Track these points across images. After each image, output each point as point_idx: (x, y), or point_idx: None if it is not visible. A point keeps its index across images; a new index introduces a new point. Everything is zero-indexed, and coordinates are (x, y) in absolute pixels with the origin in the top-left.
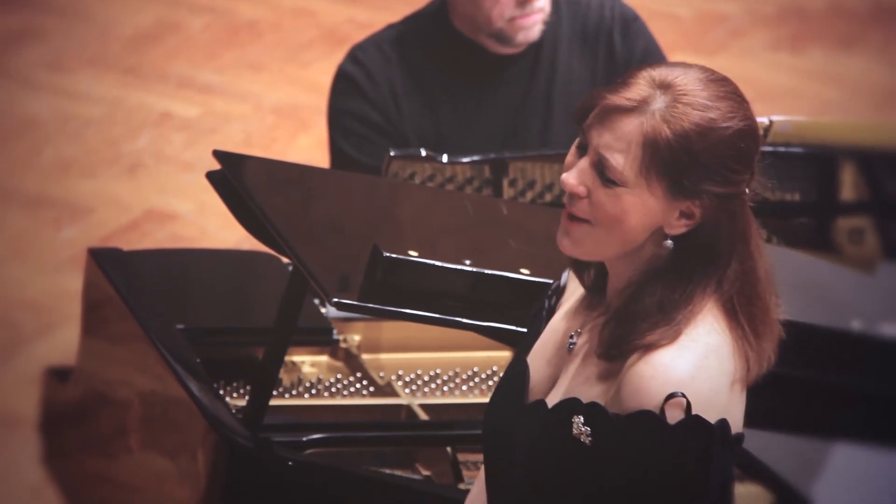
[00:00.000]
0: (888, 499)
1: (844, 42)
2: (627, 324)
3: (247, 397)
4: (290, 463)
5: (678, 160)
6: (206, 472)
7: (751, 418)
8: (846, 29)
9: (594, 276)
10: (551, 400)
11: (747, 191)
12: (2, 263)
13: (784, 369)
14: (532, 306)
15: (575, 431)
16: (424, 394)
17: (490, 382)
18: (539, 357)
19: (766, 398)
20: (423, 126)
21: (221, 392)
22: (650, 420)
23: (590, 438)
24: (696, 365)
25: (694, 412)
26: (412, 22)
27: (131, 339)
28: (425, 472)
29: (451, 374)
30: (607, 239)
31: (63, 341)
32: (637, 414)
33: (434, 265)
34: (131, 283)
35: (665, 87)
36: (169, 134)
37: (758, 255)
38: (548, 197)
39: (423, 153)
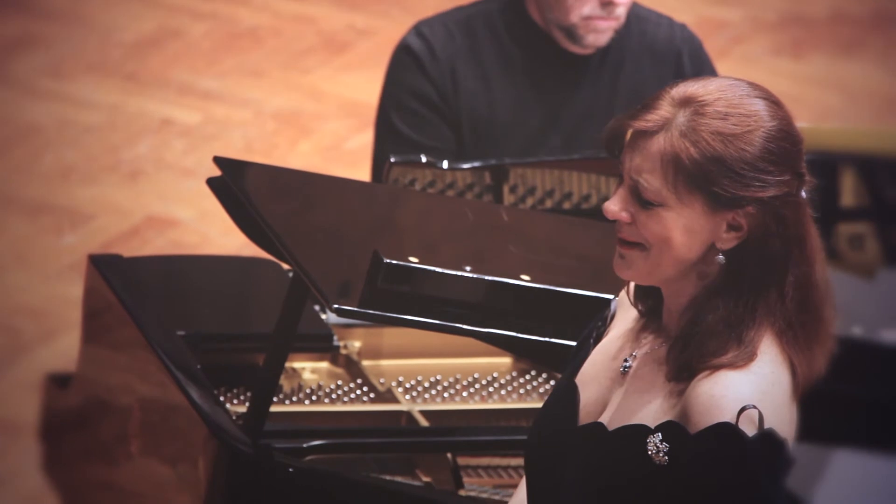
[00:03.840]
0: None
1: (845, 48)
2: (695, 344)
3: (247, 404)
4: (290, 469)
5: (705, 171)
6: (206, 479)
7: None
8: (847, 35)
9: (651, 302)
10: (608, 423)
11: (804, 193)
12: (2, 270)
13: None
14: (543, 322)
15: (651, 450)
16: (425, 400)
17: (490, 389)
18: (588, 379)
19: None
20: (477, 107)
21: (222, 398)
22: (727, 431)
23: (666, 458)
24: (763, 390)
25: (766, 426)
26: (483, 5)
27: (132, 345)
28: (426, 479)
29: (451, 380)
30: (660, 260)
31: (64, 348)
32: (714, 427)
33: (434, 271)
34: (132, 290)
35: (685, 103)
36: (169, 140)
37: (814, 261)
38: (548, 203)
39: (424, 159)
